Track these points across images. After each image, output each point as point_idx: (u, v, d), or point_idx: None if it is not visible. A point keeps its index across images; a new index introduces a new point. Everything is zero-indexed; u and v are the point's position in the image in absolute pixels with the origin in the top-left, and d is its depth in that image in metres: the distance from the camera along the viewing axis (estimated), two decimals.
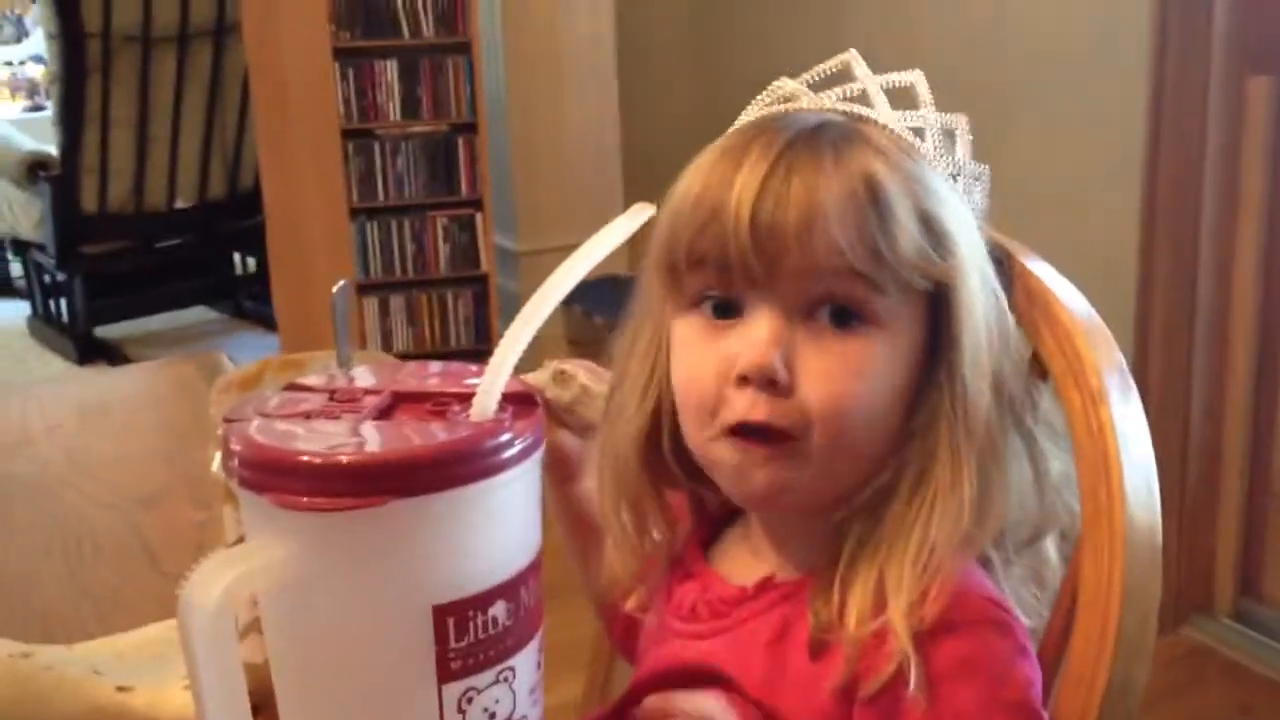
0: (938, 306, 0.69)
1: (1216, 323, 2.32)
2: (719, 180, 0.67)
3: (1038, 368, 0.78)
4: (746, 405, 0.67)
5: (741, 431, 0.68)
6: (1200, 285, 2.30)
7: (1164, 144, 2.24)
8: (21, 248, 4.71)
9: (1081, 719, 0.69)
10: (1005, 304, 0.72)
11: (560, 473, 0.81)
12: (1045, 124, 2.47)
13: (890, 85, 0.75)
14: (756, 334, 0.67)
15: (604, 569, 0.87)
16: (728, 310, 0.69)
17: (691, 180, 0.69)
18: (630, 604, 0.84)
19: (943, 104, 0.75)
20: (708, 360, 0.69)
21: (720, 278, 0.68)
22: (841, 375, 0.67)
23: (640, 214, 0.65)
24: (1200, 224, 2.27)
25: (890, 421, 0.69)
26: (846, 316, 0.67)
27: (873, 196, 0.66)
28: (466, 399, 0.61)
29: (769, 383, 0.66)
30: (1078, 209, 2.39)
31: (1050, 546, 0.75)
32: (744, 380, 0.67)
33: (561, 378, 0.76)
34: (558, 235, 3.79)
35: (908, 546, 0.67)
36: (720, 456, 0.70)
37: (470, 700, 0.58)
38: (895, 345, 0.68)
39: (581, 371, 0.77)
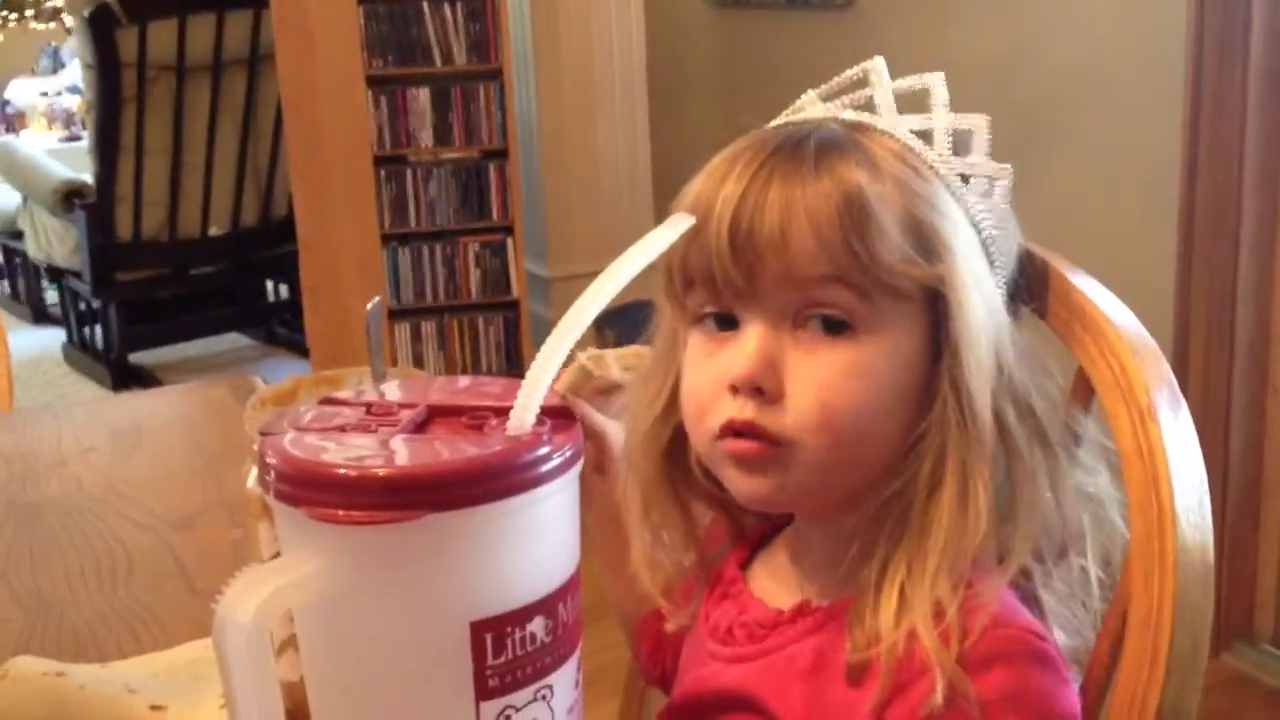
0: (937, 314, 0.69)
1: (1256, 349, 2.29)
2: (707, 195, 0.69)
3: (1083, 383, 0.77)
4: (736, 409, 0.68)
5: (733, 432, 0.69)
6: (1239, 313, 2.27)
7: (1201, 171, 2.22)
8: (57, 275, 4.76)
9: None
10: (1004, 313, 0.72)
11: (602, 458, 0.81)
12: (1081, 149, 2.46)
13: (907, 91, 0.75)
14: (745, 344, 0.68)
15: (634, 579, 0.86)
16: (728, 323, 0.71)
17: (687, 192, 0.71)
18: (669, 626, 0.84)
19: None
20: (706, 373, 0.71)
21: (712, 292, 0.70)
22: (831, 381, 0.67)
23: (679, 224, 0.65)
24: (1239, 251, 2.25)
25: (890, 428, 0.69)
26: (837, 324, 0.68)
27: (848, 202, 0.67)
28: (503, 412, 0.60)
29: (756, 390, 0.68)
30: (1114, 234, 2.38)
31: (1091, 567, 0.74)
32: (734, 390, 0.69)
33: (597, 360, 0.78)
34: (589, 261, 3.79)
35: (926, 561, 0.67)
36: (718, 458, 0.71)
37: (508, 718, 0.57)
38: (890, 352, 0.68)
39: (610, 356, 0.79)
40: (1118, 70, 2.37)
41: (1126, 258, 2.30)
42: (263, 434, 0.60)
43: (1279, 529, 2.32)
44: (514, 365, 3.60)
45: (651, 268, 0.66)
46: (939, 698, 0.63)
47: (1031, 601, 0.72)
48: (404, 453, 0.58)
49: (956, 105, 0.75)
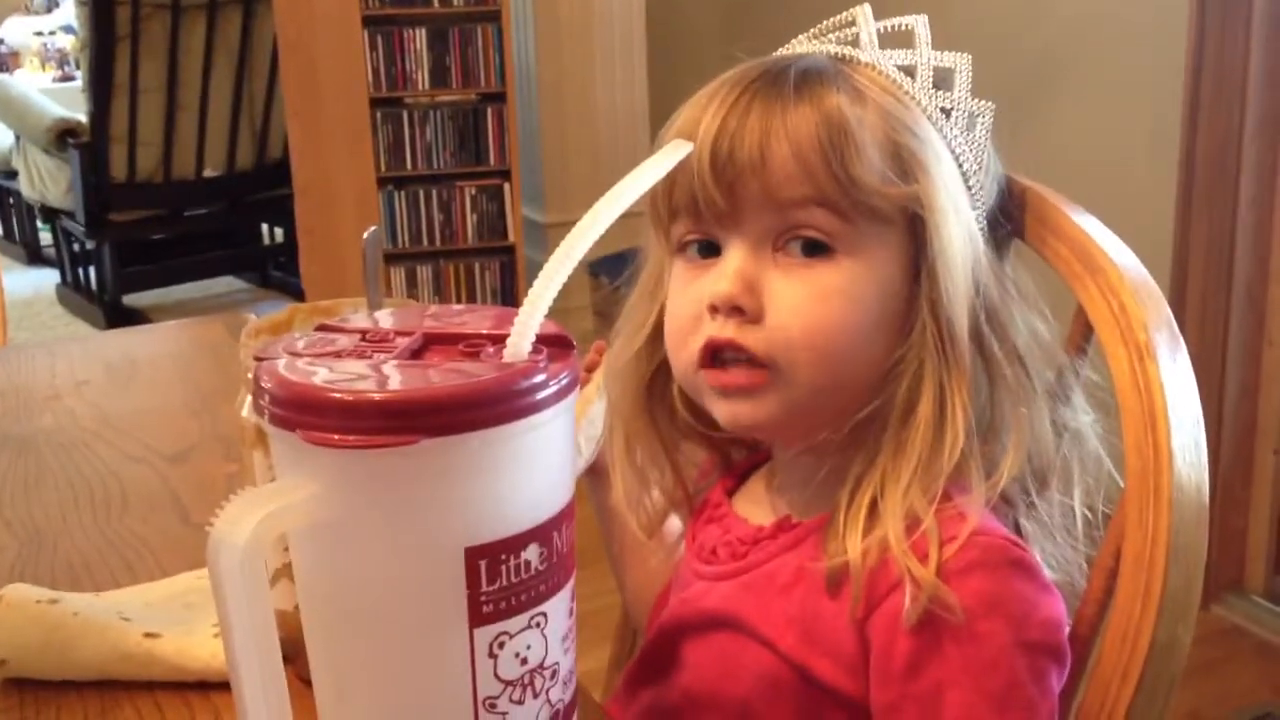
0: (916, 239, 0.70)
1: (1254, 298, 2.29)
2: (691, 121, 0.71)
3: (1081, 321, 0.77)
4: (716, 329, 0.70)
5: (714, 358, 0.70)
6: (1237, 260, 2.27)
7: (1202, 118, 2.21)
8: (51, 215, 4.73)
9: (1124, 678, 0.68)
10: (982, 241, 0.72)
11: (604, 480, 0.83)
12: (1086, 95, 2.44)
13: (892, 29, 0.77)
14: (725, 266, 0.70)
15: (641, 586, 0.89)
16: (710, 251, 0.72)
17: (673, 121, 0.73)
18: (654, 561, 0.85)
19: (983, 75, 0.75)
20: (687, 296, 0.72)
21: (694, 219, 0.71)
22: (810, 303, 0.68)
23: (677, 150, 0.64)
24: (1239, 198, 2.24)
25: (870, 352, 0.70)
26: (817, 246, 0.69)
27: (829, 125, 0.67)
28: (500, 340, 0.60)
29: (735, 310, 0.69)
30: (1115, 180, 2.37)
31: (1078, 504, 0.74)
32: (714, 310, 0.70)
33: None
34: (585, 207, 3.73)
35: (900, 477, 0.68)
36: (701, 386, 0.72)
37: (502, 645, 0.57)
38: (869, 274, 0.69)
39: None
40: (1122, 16, 2.35)
41: (1128, 203, 2.29)
42: (258, 359, 0.59)
43: (1271, 481, 2.33)
44: None
45: (640, 207, 0.66)
46: (913, 611, 0.64)
47: (1014, 530, 0.72)
48: (400, 378, 0.57)
49: (966, 51, 0.75)
